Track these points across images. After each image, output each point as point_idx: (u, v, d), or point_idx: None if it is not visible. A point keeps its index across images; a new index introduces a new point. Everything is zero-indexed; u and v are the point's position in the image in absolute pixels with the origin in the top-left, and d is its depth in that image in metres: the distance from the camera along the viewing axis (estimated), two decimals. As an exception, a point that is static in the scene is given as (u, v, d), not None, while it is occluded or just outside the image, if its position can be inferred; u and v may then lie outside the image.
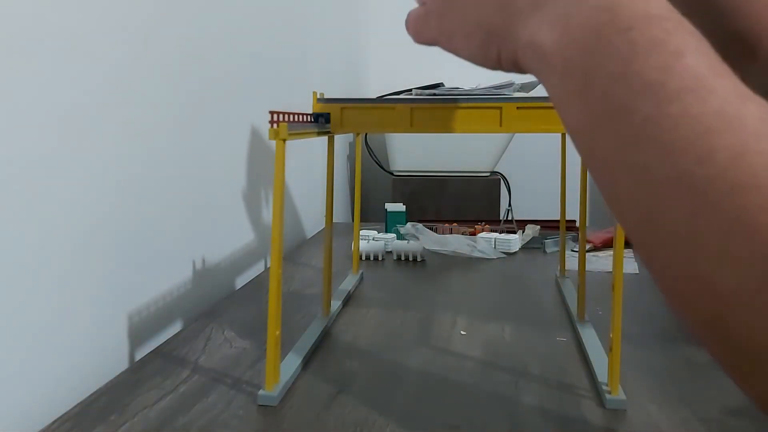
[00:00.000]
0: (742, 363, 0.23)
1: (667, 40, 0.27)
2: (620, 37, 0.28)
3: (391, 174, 1.79)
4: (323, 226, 0.90)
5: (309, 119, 0.57)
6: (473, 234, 1.14)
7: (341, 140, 1.76)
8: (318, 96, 0.60)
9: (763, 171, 0.22)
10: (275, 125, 0.50)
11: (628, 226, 0.28)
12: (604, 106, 0.28)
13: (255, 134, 0.99)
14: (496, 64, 0.37)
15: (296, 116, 0.54)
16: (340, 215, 1.75)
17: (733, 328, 0.23)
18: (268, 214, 1.03)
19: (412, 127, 0.60)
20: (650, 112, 0.25)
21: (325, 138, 0.66)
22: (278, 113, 0.50)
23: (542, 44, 0.32)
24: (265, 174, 1.03)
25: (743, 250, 0.22)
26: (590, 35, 0.29)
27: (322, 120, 0.58)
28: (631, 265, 0.95)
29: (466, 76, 0.88)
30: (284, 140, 0.50)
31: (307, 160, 1.31)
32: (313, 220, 1.29)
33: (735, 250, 0.22)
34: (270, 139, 0.50)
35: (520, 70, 0.36)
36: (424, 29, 0.41)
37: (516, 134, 1.74)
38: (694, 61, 0.26)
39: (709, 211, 0.23)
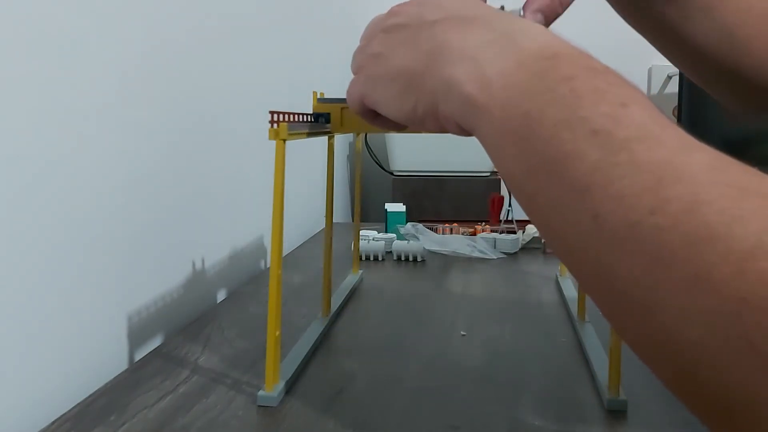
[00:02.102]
0: (714, 416, 0.22)
1: (610, 90, 0.27)
2: (563, 85, 0.27)
3: (391, 174, 1.79)
4: (323, 226, 0.90)
5: (309, 119, 0.57)
6: (473, 234, 1.14)
7: (341, 140, 1.76)
8: (318, 96, 0.60)
9: (716, 222, 0.21)
10: (275, 125, 0.50)
11: (580, 276, 0.27)
12: (548, 152, 0.27)
13: (255, 134, 0.99)
14: (413, 116, 0.36)
15: (296, 116, 0.54)
16: (340, 215, 1.75)
17: (701, 383, 0.22)
18: (268, 214, 1.03)
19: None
20: (599, 159, 0.25)
21: (325, 138, 0.66)
22: (278, 113, 0.50)
23: (470, 85, 0.31)
24: (265, 174, 1.03)
25: (705, 304, 0.21)
26: (532, 78, 0.29)
27: (322, 120, 0.58)
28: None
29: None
30: (284, 140, 0.50)
31: (307, 160, 1.30)
32: (313, 220, 1.29)
33: (696, 305, 0.21)
34: (270, 139, 0.50)
35: (436, 119, 0.35)
36: (355, 85, 0.39)
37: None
38: (639, 111, 0.26)
39: (667, 263, 0.22)
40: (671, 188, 0.23)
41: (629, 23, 0.55)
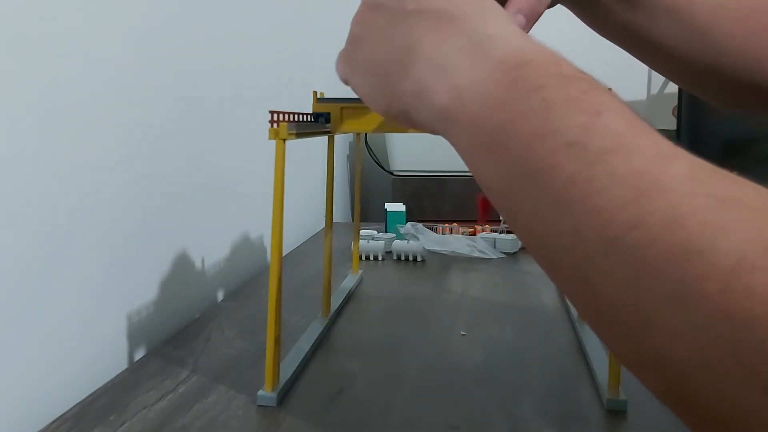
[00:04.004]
0: (707, 430, 0.22)
1: (583, 99, 0.26)
2: (534, 95, 0.27)
3: (391, 174, 1.79)
4: (323, 225, 0.90)
5: (309, 119, 0.57)
6: (473, 234, 1.14)
7: (341, 140, 1.76)
8: (318, 96, 0.60)
9: (699, 235, 0.21)
10: (275, 125, 0.50)
11: (565, 291, 0.27)
12: (523, 166, 0.26)
13: (255, 133, 0.99)
14: (387, 112, 0.35)
15: (296, 116, 0.54)
16: (340, 215, 1.75)
17: (691, 398, 0.22)
18: (268, 214, 1.03)
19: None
20: (574, 173, 0.24)
21: (325, 138, 0.66)
22: (278, 113, 0.50)
23: (442, 97, 0.30)
24: (265, 173, 1.03)
25: (690, 320, 0.21)
26: (501, 89, 0.28)
27: (322, 120, 0.58)
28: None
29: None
30: (284, 140, 0.50)
31: (308, 160, 1.30)
32: (313, 220, 1.29)
33: (682, 321, 0.21)
34: (270, 138, 0.50)
35: (408, 122, 0.34)
36: (339, 63, 0.39)
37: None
38: (613, 119, 0.25)
39: (650, 279, 0.21)
40: (650, 201, 0.22)
41: (597, 32, 0.54)
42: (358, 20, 0.37)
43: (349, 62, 0.37)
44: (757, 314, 0.19)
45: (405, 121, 0.34)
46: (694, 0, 0.50)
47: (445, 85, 0.30)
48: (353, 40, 0.37)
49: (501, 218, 1.21)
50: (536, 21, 0.43)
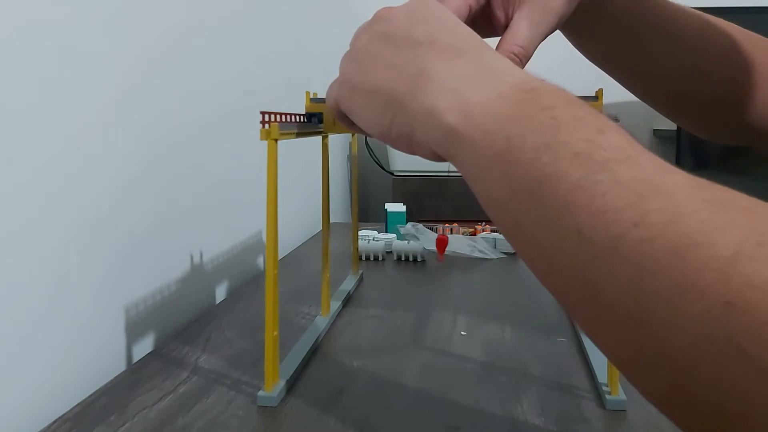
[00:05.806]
0: (707, 427, 0.22)
1: (588, 119, 0.28)
2: (543, 113, 0.29)
3: (391, 174, 1.79)
4: (323, 226, 0.90)
5: (302, 119, 0.57)
6: (473, 234, 1.14)
7: (342, 141, 1.76)
8: (311, 96, 0.59)
9: (697, 232, 0.22)
10: (266, 125, 0.50)
11: (565, 296, 0.27)
12: (530, 174, 0.27)
13: (255, 132, 0.99)
14: (386, 133, 0.36)
15: (289, 116, 0.53)
16: (340, 215, 1.75)
17: (693, 392, 0.22)
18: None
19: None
20: (579, 179, 0.26)
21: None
22: (269, 113, 0.50)
23: (451, 116, 0.31)
24: (266, 174, 1.03)
25: (691, 310, 0.21)
26: (513, 107, 0.30)
27: (315, 120, 0.58)
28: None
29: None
30: (276, 140, 0.50)
31: (308, 161, 1.30)
32: (313, 221, 1.29)
33: (683, 311, 0.22)
34: (261, 139, 0.50)
35: (408, 143, 0.35)
36: (333, 88, 0.39)
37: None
38: (616, 137, 0.27)
39: (652, 272, 0.23)
40: (652, 202, 0.24)
41: (589, 60, 0.55)
42: (363, 48, 0.37)
43: (348, 85, 0.38)
44: (756, 301, 0.20)
45: (404, 141, 0.35)
46: (682, 35, 0.52)
47: (457, 104, 0.31)
48: (356, 65, 0.37)
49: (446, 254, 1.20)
50: (527, 62, 0.45)
